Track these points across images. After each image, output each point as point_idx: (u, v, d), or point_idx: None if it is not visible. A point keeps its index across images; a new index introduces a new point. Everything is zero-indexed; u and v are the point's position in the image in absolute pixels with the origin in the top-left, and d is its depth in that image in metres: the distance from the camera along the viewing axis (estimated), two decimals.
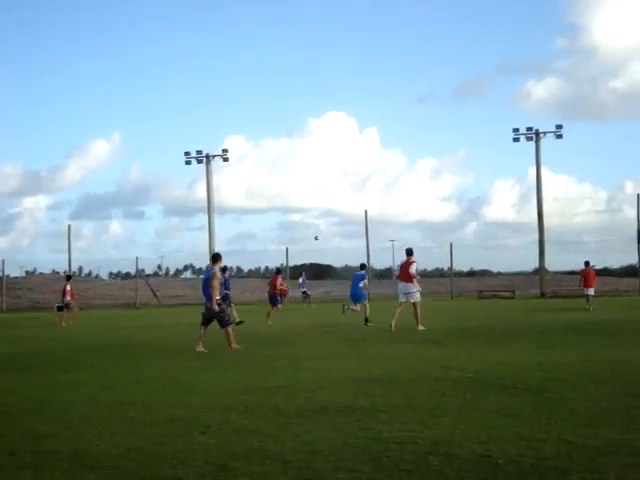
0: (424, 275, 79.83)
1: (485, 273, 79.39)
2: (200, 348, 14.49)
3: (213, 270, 14.84)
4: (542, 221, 46.62)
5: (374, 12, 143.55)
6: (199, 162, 52.11)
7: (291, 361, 12.39)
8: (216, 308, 14.53)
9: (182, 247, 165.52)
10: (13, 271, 73.79)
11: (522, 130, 47.27)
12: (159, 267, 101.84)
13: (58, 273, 75.64)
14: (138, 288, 47.83)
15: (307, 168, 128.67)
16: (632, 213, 44.45)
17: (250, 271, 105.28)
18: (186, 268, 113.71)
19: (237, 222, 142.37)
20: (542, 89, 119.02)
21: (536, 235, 47.14)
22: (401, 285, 19.19)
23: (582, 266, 29.60)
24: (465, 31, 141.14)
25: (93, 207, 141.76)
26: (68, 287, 30.09)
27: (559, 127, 47.02)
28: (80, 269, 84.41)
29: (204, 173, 52.10)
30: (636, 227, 43.06)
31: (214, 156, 51.98)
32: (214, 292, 14.55)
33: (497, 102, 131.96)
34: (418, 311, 18.79)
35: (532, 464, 5.28)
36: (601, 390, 8.37)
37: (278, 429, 6.74)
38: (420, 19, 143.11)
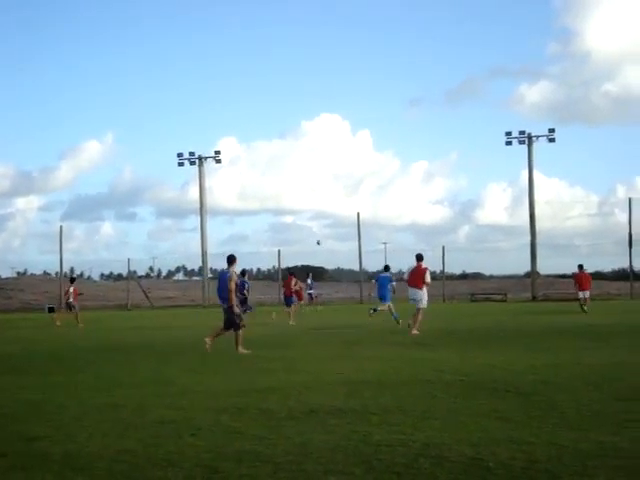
0: None
1: (477, 276, 79.62)
2: (208, 342, 14.52)
3: (229, 272, 14.73)
4: (534, 224, 46.79)
5: (368, 15, 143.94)
6: (192, 164, 52.17)
7: (283, 363, 12.39)
8: (237, 310, 14.47)
9: (174, 249, 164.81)
10: (4, 272, 73.88)
11: (515, 133, 47.48)
12: (151, 269, 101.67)
13: (49, 274, 75.54)
14: (130, 290, 47.77)
15: (300, 170, 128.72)
16: (624, 217, 44.78)
17: None
18: (178, 270, 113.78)
19: (229, 224, 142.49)
20: (535, 93, 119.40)
21: (528, 238, 47.35)
22: (410, 291, 19.10)
23: (574, 269, 29.75)
24: (458, 34, 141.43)
25: (85, 208, 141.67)
26: (72, 289, 30.11)
27: (551, 131, 47.23)
28: (72, 270, 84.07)
29: (197, 175, 52.18)
30: (627, 231, 43.24)
31: (206, 158, 52.03)
32: (232, 294, 14.57)
33: (490, 105, 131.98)
34: (419, 317, 18.77)
35: (522, 467, 5.30)
36: (591, 393, 8.40)
37: (269, 431, 6.74)
38: (413, 22, 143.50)
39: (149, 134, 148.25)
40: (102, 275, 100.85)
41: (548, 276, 61.18)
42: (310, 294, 38.80)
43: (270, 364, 12.32)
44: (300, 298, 28.97)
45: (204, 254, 51.54)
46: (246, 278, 24.32)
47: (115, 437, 6.71)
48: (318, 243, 51.48)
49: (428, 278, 18.94)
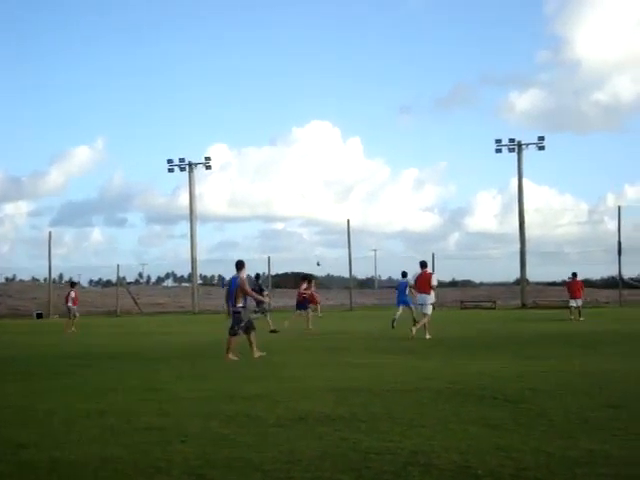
0: None
1: (467, 283, 79.75)
2: (257, 353, 14.37)
3: (240, 277, 14.66)
4: (524, 232, 46.91)
5: (358, 22, 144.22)
6: (182, 170, 52.08)
7: (272, 370, 12.37)
8: (244, 317, 14.44)
9: (164, 255, 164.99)
10: None
11: (504, 141, 47.58)
12: (140, 275, 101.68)
13: (38, 280, 75.35)
14: (119, 296, 47.62)
15: (290, 177, 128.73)
16: (613, 225, 44.99)
17: None
18: (167, 276, 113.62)
19: (219, 230, 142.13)
20: (525, 101, 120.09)
21: (518, 246, 47.43)
22: (420, 297, 19.95)
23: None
24: (449, 42, 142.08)
25: (74, 214, 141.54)
26: (73, 294, 30.00)
27: (541, 139, 47.39)
28: (60, 276, 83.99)
29: (187, 181, 52.07)
30: (617, 239, 43.40)
31: (197, 164, 51.97)
32: (252, 294, 14.88)
33: (480, 113, 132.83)
34: (424, 321, 19.51)
35: (511, 475, 5.30)
36: (580, 401, 8.41)
37: (258, 438, 6.72)
38: (404, 30, 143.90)
39: (139, 140, 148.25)
40: (91, 281, 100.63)
41: (538, 284, 61.37)
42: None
43: (258, 371, 12.30)
44: (313, 302, 28.33)
45: (194, 260, 51.46)
46: (261, 281, 24.53)
47: (102, 444, 6.66)
48: (318, 264, 51.47)
49: (434, 281, 19.79)
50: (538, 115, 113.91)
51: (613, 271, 46.06)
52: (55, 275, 63.84)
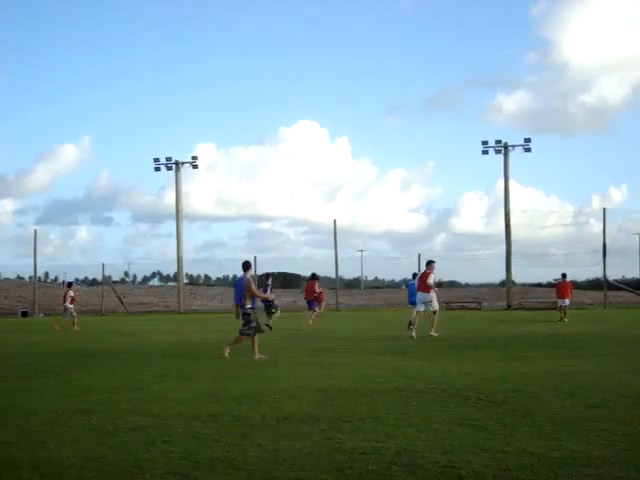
0: (392, 286, 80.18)
1: (453, 284, 79.87)
2: (258, 355, 14.27)
3: (246, 277, 14.61)
4: (509, 233, 47.00)
5: (347, 23, 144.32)
6: (168, 169, 51.90)
7: (256, 370, 12.36)
8: (252, 317, 14.39)
9: (150, 254, 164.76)
10: None
11: (491, 143, 47.67)
12: (126, 274, 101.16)
13: (23, 278, 74.93)
14: (104, 295, 47.44)
15: (277, 177, 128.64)
16: (598, 227, 45.12)
17: (218, 279, 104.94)
18: (153, 275, 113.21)
19: (206, 230, 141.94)
20: (512, 103, 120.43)
21: (504, 247, 47.52)
22: (420, 295, 20.29)
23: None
24: (437, 43, 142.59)
25: (60, 212, 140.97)
26: (71, 293, 30.40)
27: (527, 141, 47.47)
28: (46, 275, 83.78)
29: (173, 180, 51.91)
30: (602, 241, 43.60)
31: (183, 163, 51.80)
32: (258, 293, 14.76)
33: (467, 114, 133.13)
34: (436, 318, 20.08)
35: (494, 475, 5.32)
36: (564, 402, 8.45)
37: (242, 438, 6.72)
38: (392, 31, 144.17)
39: (126, 138, 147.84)
40: (77, 280, 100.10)
41: (523, 285, 61.56)
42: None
43: (243, 370, 12.28)
44: (321, 301, 28.40)
45: (180, 260, 51.30)
46: (270, 281, 25.08)
47: (85, 444, 6.64)
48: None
49: (430, 280, 20.17)
50: (525, 117, 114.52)
51: (598, 273, 46.28)
52: (40, 273, 63.67)
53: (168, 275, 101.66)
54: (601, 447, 6.09)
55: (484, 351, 15.19)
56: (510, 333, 21.36)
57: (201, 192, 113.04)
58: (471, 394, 9.10)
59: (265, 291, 23.58)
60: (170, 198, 55.05)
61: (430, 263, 20.67)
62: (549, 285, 60.35)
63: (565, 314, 28.40)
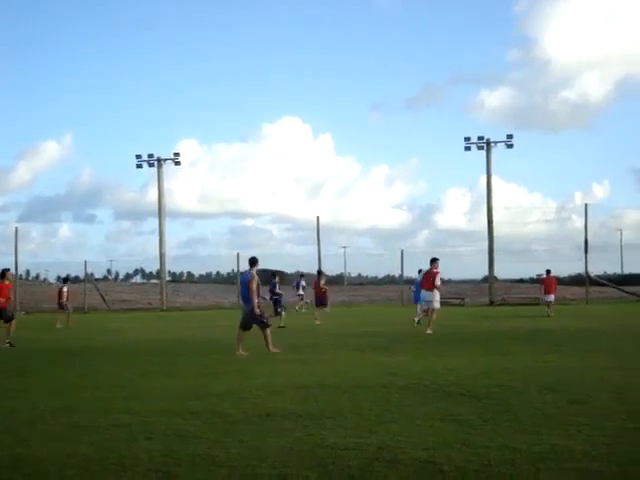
0: (375, 282, 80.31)
1: None
2: (241, 352, 14.29)
3: (250, 273, 14.63)
4: (492, 229, 47.11)
5: (330, 20, 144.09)
6: (150, 165, 51.62)
7: (238, 366, 12.35)
8: (257, 311, 14.38)
9: (132, 251, 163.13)
10: None
11: (474, 139, 47.77)
12: (108, 271, 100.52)
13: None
14: (86, 292, 47.20)
15: (260, 173, 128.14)
16: (580, 223, 45.22)
17: (201, 276, 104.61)
18: (136, 272, 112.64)
19: (189, 226, 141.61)
20: (495, 99, 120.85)
21: (486, 243, 47.64)
22: (424, 293, 20.79)
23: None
24: (419, 40, 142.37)
25: (42, 209, 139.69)
26: (65, 289, 30.37)
27: (510, 137, 47.55)
28: (28, 272, 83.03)
29: (156, 177, 51.68)
30: (584, 237, 43.81)
31: (165, 160, 51.56)
32: (253, 295, 14.45)
33: (450, 111, 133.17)
34: (433, 317, 20.17)
35: (476, 470, 5.34)
36: (545, 397, 8.50)
37: (224, 435, 6.71)
38: (375, 27, 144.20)
39: (108, 135, 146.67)
40: (58, 277, 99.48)
41: (506, 281, 61.78)
42: (301, 295, 38.44)
43: (225, 367, 12.27)
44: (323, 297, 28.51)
45: (162, 257, 51.10)
46: (277, 279, 25.57)
47: (67, 441, 6.61)
48: None
49: (437, 281, 20.37)
50: (508, 113, 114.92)
51: (580, 268, 46.40)
52: (22, 271, 63.15)
53: (151, 272, 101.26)
54: (582, 442, 6.13)
55: (467, 347, 15.23)
56: (493, 329, 21.45)
57: (184, 189, 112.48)
58: (453, 390, 9.14)
59: (273, 289, 24.49)
60: (153, 195, 54.85)
61: (435, 261, 20.49)
62: (532, 281, 60.71)
63: (550, 309, 28.80)
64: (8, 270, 19.47)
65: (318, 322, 25.34)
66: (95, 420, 7.63)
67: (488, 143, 47.48)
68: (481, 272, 54.04)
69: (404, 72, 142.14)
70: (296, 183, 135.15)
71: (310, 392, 9.21)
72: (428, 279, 20.46)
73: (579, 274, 50.14)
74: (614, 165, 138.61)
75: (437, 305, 20.31)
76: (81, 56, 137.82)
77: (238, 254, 45.01)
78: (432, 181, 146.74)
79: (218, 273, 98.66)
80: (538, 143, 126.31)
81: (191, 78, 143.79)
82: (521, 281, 66.33)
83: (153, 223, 73.94)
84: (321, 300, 27.24)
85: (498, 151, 48.28)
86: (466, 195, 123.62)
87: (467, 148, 47.87)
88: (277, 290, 24.55)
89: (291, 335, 20.14)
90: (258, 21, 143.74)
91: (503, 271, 64.60)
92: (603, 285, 48.53)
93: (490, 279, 47.55)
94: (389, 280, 74.79)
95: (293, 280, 40.77)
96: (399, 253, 46.59)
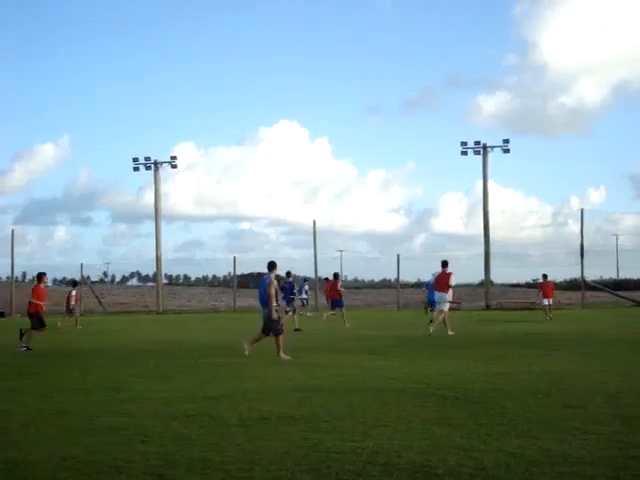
0: (371, 286, 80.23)
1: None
2: (246, 347, 14.37)
3: (269, 278, 14.60)
4: (488, 234, 47.16)
5: (327, 23, 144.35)
6: (147, 168, 51.61)
7: (233, 370, 12.34)
8: (275, 315, 14.33)
9: (129, 254, 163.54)
10: None
11: (470, 144, 47.79)
12: (105, 274, 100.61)
13: (0, 278, 74.24)
14: (83, 295, 47.12)
15: (257, 177, 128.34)
16: (576, 228, 45.30)
17: (198, 279, 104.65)
18: (132, 275, 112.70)
19: (185, 230, 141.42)
20: (492, 104, 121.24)
21: (482, 248, 47.65)
22: (438, 295, 21.01)
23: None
24: (417, 44, 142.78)
25: (39, 212, 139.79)
26: (74, 292, 30.91)
27: (506, 142, 47.59)
28: (24, 275, 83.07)
29: (152, 180, 51.67)
30: (579, 241, 43.86)
31: (162, 163, 51.55)
32: (272, 300, 14.40)
33: (447, 115, 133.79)
34: (441, 317, 20.71)
35: (470, 474, 5.34)
36: (540, 401, 8.50)
37: (219, 438, 6.71)
38: (372, 31, 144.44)
39: (105, 138, 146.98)
40: (55, 280, 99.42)
41: (502, 285, 61.81)
42: (306, 299, 38.42)
43: (220, 370, 12.26)
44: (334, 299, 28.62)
45: (159, 260, 51.06)
46: (291, 279, 26.24)
47: (61, 444, 6.61)
48: None
49: (453, 282, 20.93)
50: (504, 118, 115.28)
51: (576, 273, 46.48)
52: (18, 274, 63.15)
53: (147, 275, 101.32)
54: (576, 446, 6.14)
55: (462, 351, 15.24)
56: (489, 333, 21.46)
57: (180, 192, 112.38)
58: (448, 393, 9.15)
59: (292, 288, 25.79)
60: (149, 198, 54.93)
61: (447, 263, 21.00)
62: (528, 285, 60.76)
63: (546, 313, 29.40)
64: (44, 274, 19.35)
65: (348, 325, 25.45)
66: (90, 423, 7.62)
67: (485, 148, 47.53)
68: (477, 276, 53.98)
69: (401, 76, 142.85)
70: (293, 187, 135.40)
71: (305, 396, 9.21)
72: (443, 280, 20.75)
73: (575, 279, 50.20)
74: (610, 170, 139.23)
75: (446, 307, 20.75)
76: (79, 59, 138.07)
77: (235, 257, 45.12)
78: (428, 185, 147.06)
79: (214, 276, 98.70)
80: (535, 148, 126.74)
81: (188, 81, 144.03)
82: (517, 285, 66.35)
83: (150, 226, 73.78)
84: (339, 303, 27.22)
85: (495, 156, 48.44)
86: (462, 199, 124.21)
87: (464, 153, 47.92)
88: (295, 290, 25.15)
89: (287, 338, 20.12)
90: (255, 25, 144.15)
91: (499, 275, 64.48)
92: (599, 290, 48.57)
93: (486, 283, 47.57)
94: (385, 284, 74.78)
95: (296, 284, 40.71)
96: (395, 257, 46.60)
